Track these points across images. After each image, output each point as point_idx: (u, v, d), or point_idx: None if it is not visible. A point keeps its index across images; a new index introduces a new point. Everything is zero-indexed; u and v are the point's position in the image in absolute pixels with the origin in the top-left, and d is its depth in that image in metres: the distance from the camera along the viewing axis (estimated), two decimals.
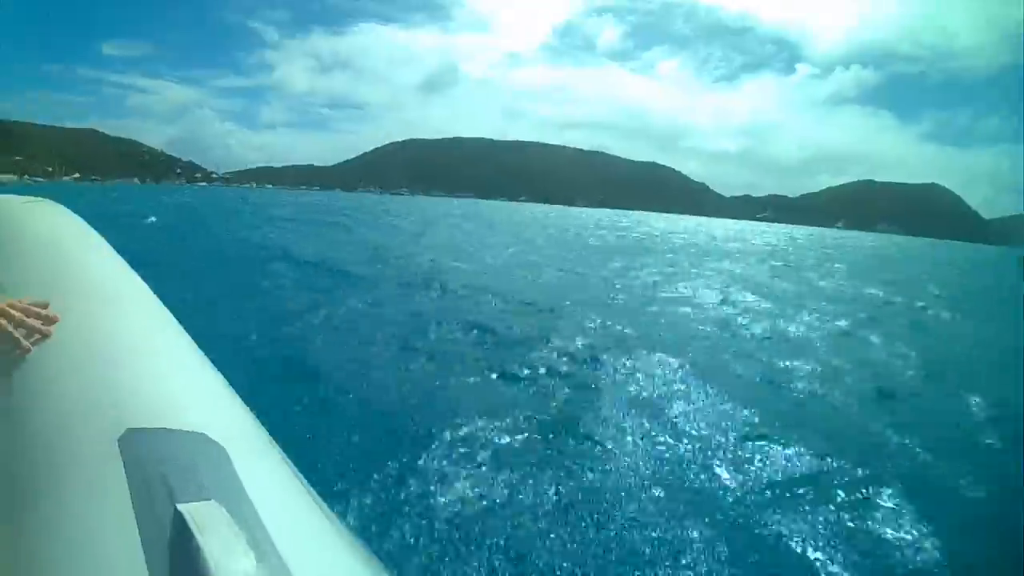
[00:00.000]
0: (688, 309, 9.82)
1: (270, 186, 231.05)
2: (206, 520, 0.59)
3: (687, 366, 6.42)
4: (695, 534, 3.39)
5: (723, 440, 4.53)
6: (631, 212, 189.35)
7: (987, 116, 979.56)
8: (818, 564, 3.34)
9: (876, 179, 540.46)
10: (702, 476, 3.92)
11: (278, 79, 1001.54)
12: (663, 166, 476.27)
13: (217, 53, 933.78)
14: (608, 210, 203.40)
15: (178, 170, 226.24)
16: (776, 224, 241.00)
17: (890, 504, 3.80)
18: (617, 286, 11.70)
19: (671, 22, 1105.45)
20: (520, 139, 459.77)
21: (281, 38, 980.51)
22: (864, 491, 3.91)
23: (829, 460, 4.38)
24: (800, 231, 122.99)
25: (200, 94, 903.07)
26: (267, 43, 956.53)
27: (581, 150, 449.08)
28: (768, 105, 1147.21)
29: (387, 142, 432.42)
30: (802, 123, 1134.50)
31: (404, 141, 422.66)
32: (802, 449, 4.54)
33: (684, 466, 4.09)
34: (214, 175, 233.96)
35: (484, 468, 3.66)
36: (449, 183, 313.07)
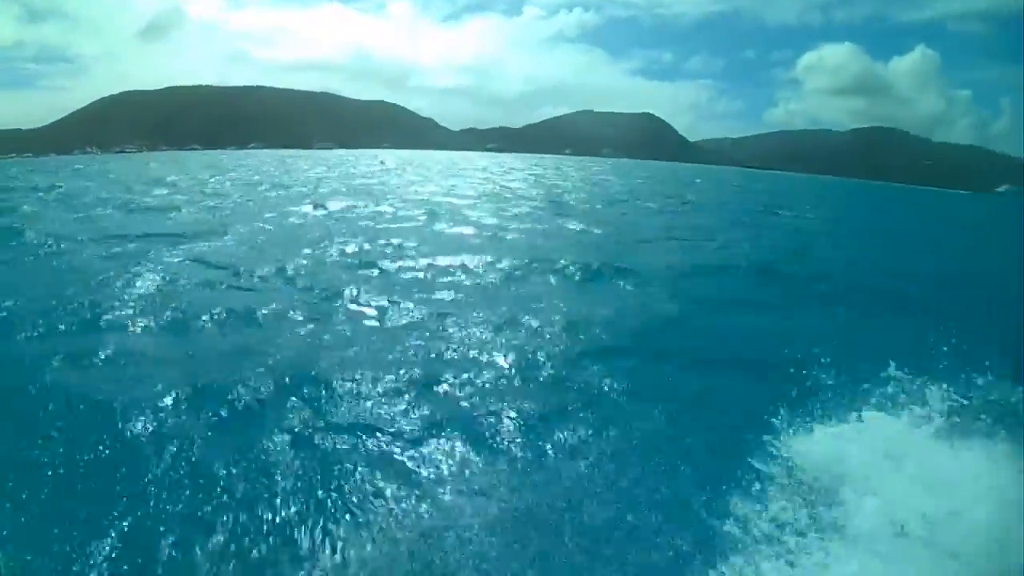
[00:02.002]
0: None
1: None
2: None
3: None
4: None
5: None
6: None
7: (691, 56, 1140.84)
8: None
9: (595, 109, 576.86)
10: None
11: None
12: (392, 104, 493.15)
13: None
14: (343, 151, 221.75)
15: None
16: (504, 153, 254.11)
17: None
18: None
19: None
20: (245, 84, 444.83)
21: None
22: None
23: None
24: (535, 160, 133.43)
25: None
26: None
27: (309, 92, 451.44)
28: (493, 43, 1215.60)
29: (103, 95, 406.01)
30: (525, 60, 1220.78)
31: (121, 94, 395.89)
32: None
33: None
34: None
35: None
36: (174, 136, 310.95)
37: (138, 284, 11.41)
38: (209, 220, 21.12)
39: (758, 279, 14.01)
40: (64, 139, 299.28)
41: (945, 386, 5.85)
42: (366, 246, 16.55)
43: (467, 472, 5.26)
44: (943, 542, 3.93)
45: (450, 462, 5.39)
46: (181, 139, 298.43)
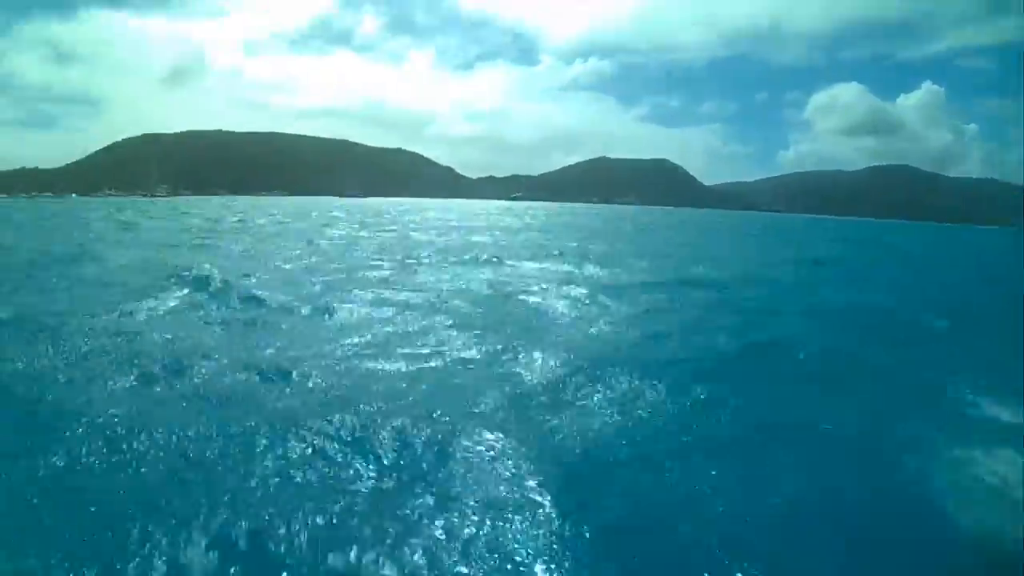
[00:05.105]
0: None
1: None
2: None
3: None
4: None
5: None
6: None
7: (700, 101, 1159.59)
8: None
9: (610, 156, 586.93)
10: None
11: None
12: (410, 152, 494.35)
13: None
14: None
15: None
16: (534, 202, 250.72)
17: None
18: None
19: (412, 14, 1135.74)
20: (261, 130, 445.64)
21: None
22: None
23: None
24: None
25: None
26: None
27: (329, 139, 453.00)
28: (505, 92, 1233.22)
29: (123, 137, 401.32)
30: (537, 108, 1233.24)
31: (141, 136, 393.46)
32: None
33: None
34: None
35: None
36: (196, 180, 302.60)
37: None
38: None
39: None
40: (84, 180, 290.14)
41: None
42: None
43: None
44: None
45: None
46: (204, 183, 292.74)
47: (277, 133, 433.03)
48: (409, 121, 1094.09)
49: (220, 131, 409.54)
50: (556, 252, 25.49)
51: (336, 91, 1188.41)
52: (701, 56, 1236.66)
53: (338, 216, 61.84)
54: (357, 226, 43.68)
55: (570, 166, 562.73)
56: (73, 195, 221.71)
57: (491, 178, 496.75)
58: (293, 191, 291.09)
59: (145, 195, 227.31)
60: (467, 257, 21.55)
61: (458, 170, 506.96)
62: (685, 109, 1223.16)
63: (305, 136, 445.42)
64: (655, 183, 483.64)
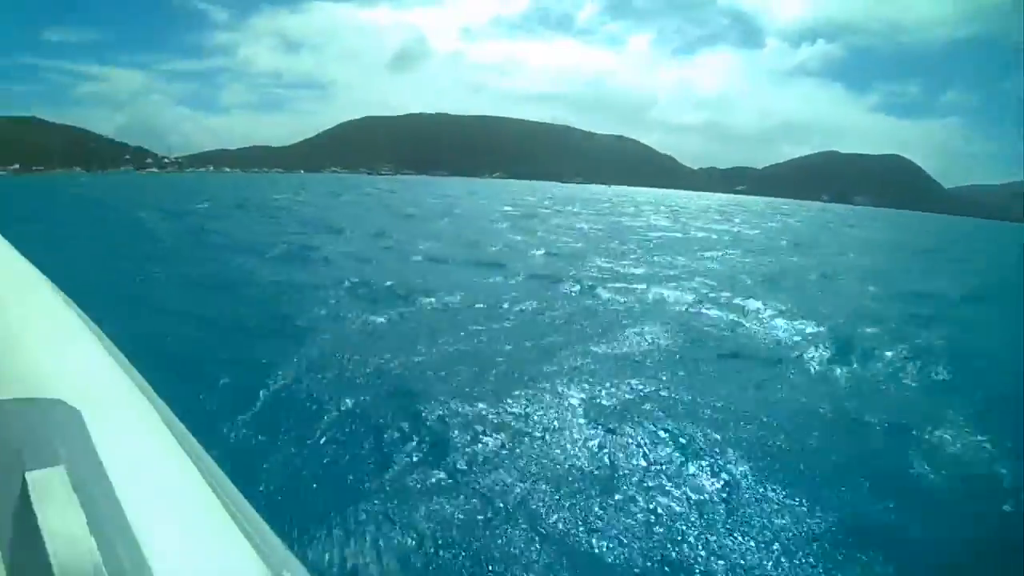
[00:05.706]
0: None
1: (227, 169, 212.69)
2: (46, 485, 0.55)
3: None
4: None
5: None
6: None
7: (941, 89, 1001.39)
8: None
9: (839, 150, 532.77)
10: None
11: (234, 61, 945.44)
12: (629, 139, 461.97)
13: (166, 37, 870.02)
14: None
15: (127, 156, 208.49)
16: (758, 196, 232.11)
17: None
18: None
19: None
20: (481, 113, 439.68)
21: (231, 19, 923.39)
22: None
23: None
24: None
25: (150, 79, 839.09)
26: (218, 24, 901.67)
27: (549, 124, 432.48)
28: (727, 78, 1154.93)
29: (342, 121, 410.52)
30: (761, 95, 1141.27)
31: (363, 119, 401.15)
32: None
33: None
34: (166, 160, 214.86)
35: None
36: (417, 160, 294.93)
37: None
38: None
39: None
40: (311, 158, 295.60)
41: None
42: None
43: None
44: None
45: None
46: (425, 164, 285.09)
47: (498, 117, 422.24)
48: (628, 106, 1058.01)
49: (441, 114, 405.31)
50: None
51: (555, 75, 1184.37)
52: (940, 36, 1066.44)
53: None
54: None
55: (797, 160, 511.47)
56: (301, 171, 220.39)
57: (712, 169, 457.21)
58: (514, 175, 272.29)
59: (369, 173, 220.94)
60: None
61: (678, 159, 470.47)
62: (922, 98, 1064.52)
63: (526, 120, 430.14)
64: (889, 183, 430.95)
